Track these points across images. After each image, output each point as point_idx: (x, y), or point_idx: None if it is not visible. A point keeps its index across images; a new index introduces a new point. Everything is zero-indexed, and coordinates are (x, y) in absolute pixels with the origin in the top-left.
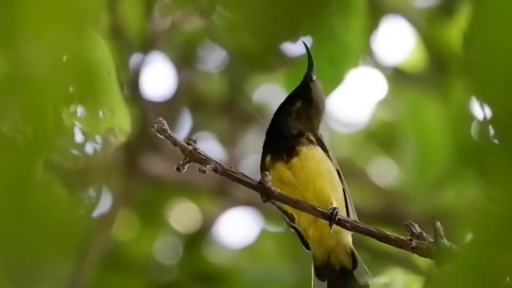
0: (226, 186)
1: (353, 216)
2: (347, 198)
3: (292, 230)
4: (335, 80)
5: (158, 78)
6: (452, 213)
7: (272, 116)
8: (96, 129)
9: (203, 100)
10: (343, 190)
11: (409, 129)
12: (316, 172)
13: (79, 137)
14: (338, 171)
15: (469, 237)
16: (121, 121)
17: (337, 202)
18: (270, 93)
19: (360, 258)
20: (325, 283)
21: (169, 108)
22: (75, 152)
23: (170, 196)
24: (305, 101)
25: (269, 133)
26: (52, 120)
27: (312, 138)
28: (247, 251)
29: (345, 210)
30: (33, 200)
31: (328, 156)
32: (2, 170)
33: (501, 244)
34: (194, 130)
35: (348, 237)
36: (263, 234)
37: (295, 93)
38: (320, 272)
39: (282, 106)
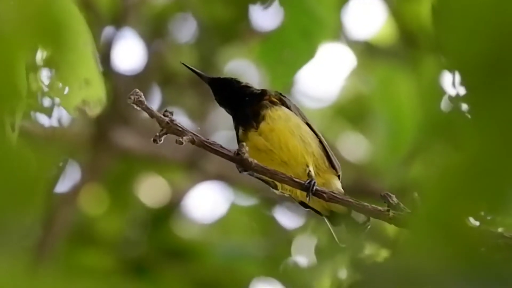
0: (197, 159)
1: (336, 163)
2: (326, 147)
3: (286, 194)
4: (308, 53)
5: (128, 52)
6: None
7: None
8: (71, 100)
9: (173, 75)
10: (320, 142)
11: (379, 103)
12: (286, 131)
13: (48, 105)
14: (308, 124)
15: (428, 195)
16: (97, 92)
17: (313, 156)
18: (240, 68)
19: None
20: (343, 227)
21: (139, 82)
22: (44, 119)
23: (139, 170)
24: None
25: (234, 110)
26: (20, 77)
27: (273, 99)
28: (217, 225)
29: (326, 160)
30: None
31: (294, 112)
32: None
33: (460, 195)
34: (164, 104)
35: (336, 183)
36: (233, 208)
37: (223, 83)
38: (333, 220)
39: (230, 87)
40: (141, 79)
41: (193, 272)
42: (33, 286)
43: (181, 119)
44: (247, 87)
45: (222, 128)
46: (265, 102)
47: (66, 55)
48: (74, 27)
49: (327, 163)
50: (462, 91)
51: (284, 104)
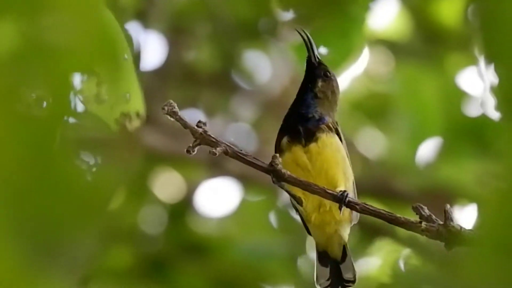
0: (218, 158)
1: (356, 213)
2: (354, 191)
3: (297, 214)
4: (349, 54)
5: (149, 48)
6: (442, 186)
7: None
8: (111, 113)
9: (192, 71)
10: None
11: (399, 100)
12: (332, 160)
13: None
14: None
15: (485, 218)
16: (136, 105)
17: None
18: (256, 63)
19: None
20: (327, 270)
21: (160, 78)
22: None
23: (155, 166)
24: (324, 77)
25: (289, 116)
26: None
27: (331, 125)
28: (232, 220)
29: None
30: (54, 171)
31: (343, 146)
32: (23, 140)
33: None
34: (183, 100)
35: (346, 230)
36: (248, 203)
37: (309, 76)
38: (322, 259)
39: (303, 92)
40: (162, 75)
41: (210, 268)
42: None
43: (196, 113)
44: (317, 97)
45: (235, 121)
46: (323, 126)
47: (108, 69)
48: (116, 40)
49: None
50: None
51: (337, 134)
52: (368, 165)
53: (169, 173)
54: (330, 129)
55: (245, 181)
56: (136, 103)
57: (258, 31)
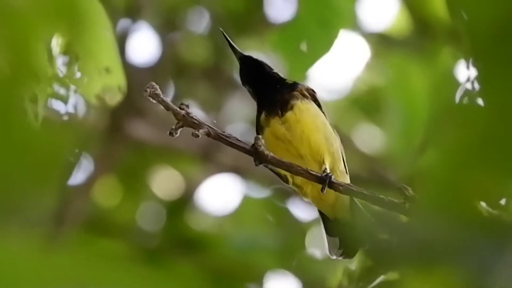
0: (212, 151)
1: (346, 171)
2: (342, 153)
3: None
4: (326, 43)
5: (143, 44)
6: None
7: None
8: (91, 88)
9: (187, 66)
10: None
11: (393, 95)
12: (312, 126)
13: (64, 92)
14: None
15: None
16: (117, 80)
17: (333, 156)
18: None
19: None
20: (337, 239)
21: (153, 74)
22: (60, 105)
23: (153, 162)
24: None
25: (262, 90)
26: (37, 52)
27: (305, 92)
28: (231, 217)
29: (342, 164)
30: (14, 130)
31: (322, 110)
32: None
33: (473, 162)
34: (177, 96)
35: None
36: (247, 200)
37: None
38: (329, 228)
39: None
40: (155, 71)
41: (206, 264)
42: (47, 265)
43: (195, 111)
44: (278, 75)
45: (236, 119)
46: (297, 93)
47: (86, 43)
48: (93, 15)
49: (342, 167)
50: (475, 72)
51: (315, 101)
52: (365, 159)
53: (167, 170)
54: (305, 96)
55: (242, 176)
56: (117, 77)
57: (251, 27)
